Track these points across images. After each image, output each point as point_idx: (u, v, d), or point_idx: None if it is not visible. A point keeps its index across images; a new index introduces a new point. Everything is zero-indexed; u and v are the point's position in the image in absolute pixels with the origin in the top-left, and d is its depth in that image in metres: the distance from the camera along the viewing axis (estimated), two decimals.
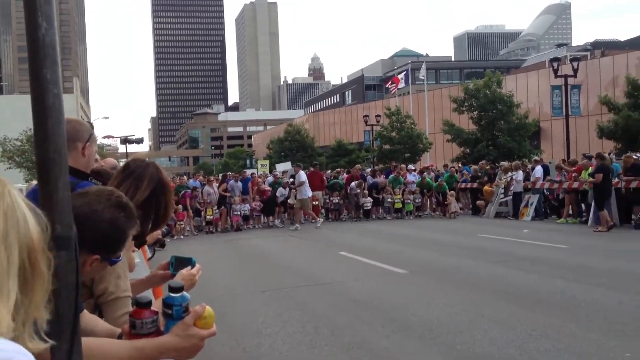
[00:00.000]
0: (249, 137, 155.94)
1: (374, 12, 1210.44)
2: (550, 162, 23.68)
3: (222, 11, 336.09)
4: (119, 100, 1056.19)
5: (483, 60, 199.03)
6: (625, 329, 6.83)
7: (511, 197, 22.07)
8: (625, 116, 31.49)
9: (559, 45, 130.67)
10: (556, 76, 28.19)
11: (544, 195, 21.65)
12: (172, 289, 1.81)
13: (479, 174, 24.99)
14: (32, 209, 1.10)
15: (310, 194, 22.01)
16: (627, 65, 50.04)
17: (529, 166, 23.36)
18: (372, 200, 24.31)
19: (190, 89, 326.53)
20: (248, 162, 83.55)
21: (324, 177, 25.22)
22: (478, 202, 24.03)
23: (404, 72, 58.18)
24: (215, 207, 22.31)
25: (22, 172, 53.86)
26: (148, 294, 2.75)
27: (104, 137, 56.00)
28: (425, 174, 26.11)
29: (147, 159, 2.95)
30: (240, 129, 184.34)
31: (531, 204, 21.40)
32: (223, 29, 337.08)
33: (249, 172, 30.41)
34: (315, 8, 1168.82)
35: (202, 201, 22.37)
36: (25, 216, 1.07)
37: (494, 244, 15.02)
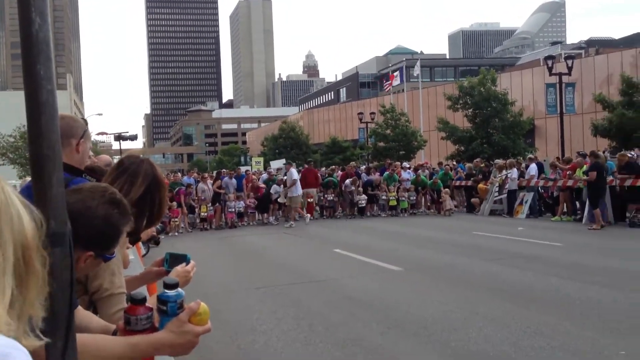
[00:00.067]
0: (243, 134, 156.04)
1: (368, 9, 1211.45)
2: (544, 160, 23.75)
3: (217, 8, 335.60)
4: (113, 97, 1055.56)
5: (478, 58, 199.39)
6: (620, 327, 6.84)
7: (506, 195, 22.10)
8: (620, 114, 31.60)
9: (554, 43, 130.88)
10: (551, 74, 28.23)
11: (538, 193, 21.69)
12: (167, 286, 1.80)
13: (474, 171, 25.00)
14: (26, 206, 1.10)
15: (300, 191, 22.04)
16: (621, 64, 50.20)
17: (524, 164, 23.40)
18: (366, 197, 24.31)
19: (184, 85, 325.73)
20: (242, 159, 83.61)
21: (319, 175, 25.21)
22: (473, 200, 24.06)
23: (399, 70, 58.26)
24: (210, 204, 22.29)
25: (16, 168, 53.83)
26: (142, 290, 2.75)
27: (98, 134, 55.73)
28: (419, 171, 26.11)
29: (141, 156, 2.94)
30: (235, 126, 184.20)
31: (526, 202, 21.43)
32: (217, 26, 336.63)
33: (243, 169, 30.40)
34: (310, 5, 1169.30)
35: (196, 198, 22.36)
36: (20, 213, 1.06)
37: (488, 242, 15.04)
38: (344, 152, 60.55)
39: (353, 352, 6.45)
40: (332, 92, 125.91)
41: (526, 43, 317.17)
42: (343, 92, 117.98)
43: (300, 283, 10.53)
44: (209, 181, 23.22)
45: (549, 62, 28.96)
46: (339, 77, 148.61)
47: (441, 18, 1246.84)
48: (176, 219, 20.93)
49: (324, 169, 31.70)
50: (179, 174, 27.70)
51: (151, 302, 1.89)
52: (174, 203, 20.84)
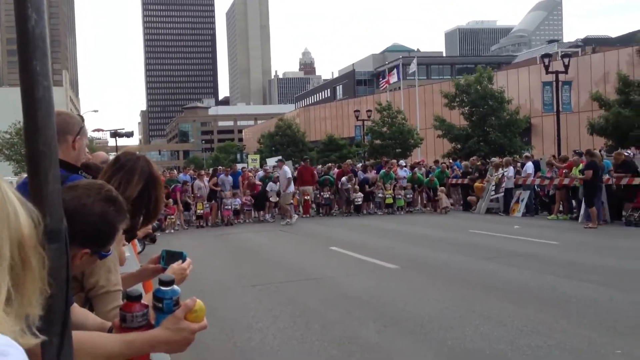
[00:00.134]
0: (240, 131, 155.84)
1: (365, 6, 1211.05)
2: (541, 159, 23.75)
3: (213, 4, 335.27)
4: (109, 94, 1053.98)
5: (474, 55, 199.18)
6: (616, 326, 6.86)
7: (502, 193, 22.10)
8: (616, 113, 31.64)
9: (550, 42, 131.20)
10: (547, 72, 28.22)
11: (534, 191, 21.71)
12: (163, 283, 1.79)
13: (470, 169, 25.03)
14: (23, 203, 1.09)
15: (292, 189, 22.06)
16: (618, 62, 50.23)
17: (520, 162, 23.41)
18: (363, 195, 24.30)
19: (180, 82, 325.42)
20: (239, 156, 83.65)
21: (315, 172, 25.22)
22: (469, 198, 24.08)
23: (395, 68, 58.26)
24: (206, 202, 22.26)
25: (12, 164, 53.71)
26: (138, 287, 2.74)
27: (94, 131, 55.77)
28: (416, 169, 26.14)
29: (137, 153, 2.94)
30: (231, 123, 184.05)
31: (522, 200, 21.45)
32: (213, 22, 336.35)
33: (239, 166, 30.40)
34: (306, 2, 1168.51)
35: (192, 195, 22.33)
36: (17, 210, 1.06)
37: (485, 240, 15.06)
38: (341, 149, 60.57)
39: (349, 350, 6.45)
40: (329, 90, 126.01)
41: (523, 41, 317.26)
42: (339, 89, 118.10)
43: (297, 281, 10.53)
44: (205, 178, 23.19)
45: (546, 61, 28.94)
46: (336, 75, 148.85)
47: (438, 16, 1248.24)
48: (172, 216, 20.90)
49: (320, 166, 31.66)
50: (175, 171, 27.74)
51: (147, 299, 1.88)
52: (170, 200, 20.82)
